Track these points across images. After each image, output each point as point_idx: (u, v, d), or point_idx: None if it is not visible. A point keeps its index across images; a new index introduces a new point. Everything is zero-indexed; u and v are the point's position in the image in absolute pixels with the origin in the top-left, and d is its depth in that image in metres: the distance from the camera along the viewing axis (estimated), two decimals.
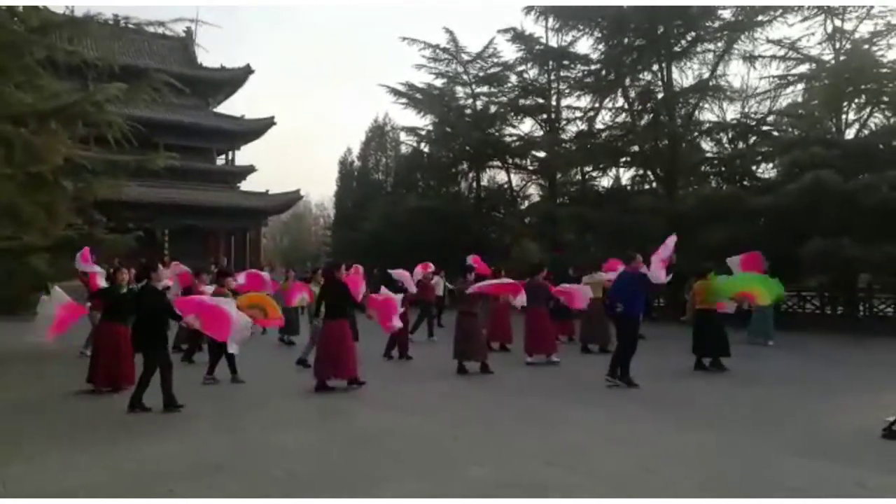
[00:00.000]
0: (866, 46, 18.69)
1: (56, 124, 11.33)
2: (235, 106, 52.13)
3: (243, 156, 40.44)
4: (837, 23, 19.32)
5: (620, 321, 9.09)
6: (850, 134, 19.05)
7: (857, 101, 18.88)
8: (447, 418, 7.26)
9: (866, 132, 18.93)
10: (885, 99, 18.52)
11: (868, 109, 19.00)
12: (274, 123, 37.82)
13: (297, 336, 13.88)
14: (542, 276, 11.91)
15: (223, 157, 38.80)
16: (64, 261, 15.67)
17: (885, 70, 18.17)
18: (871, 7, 18.76)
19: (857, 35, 19.13)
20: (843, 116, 19.11)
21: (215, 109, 38.71)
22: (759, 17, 20.90)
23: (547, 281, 11.97)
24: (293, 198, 39.13)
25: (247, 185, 39.11)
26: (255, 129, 38.10)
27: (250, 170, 38.65)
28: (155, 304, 7.68)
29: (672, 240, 8.71)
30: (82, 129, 12.52)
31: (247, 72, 38.27)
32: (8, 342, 12.54)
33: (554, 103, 26.65)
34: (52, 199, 11.99)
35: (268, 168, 70.26)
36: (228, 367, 9.39)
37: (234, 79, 38.51)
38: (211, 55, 61.96)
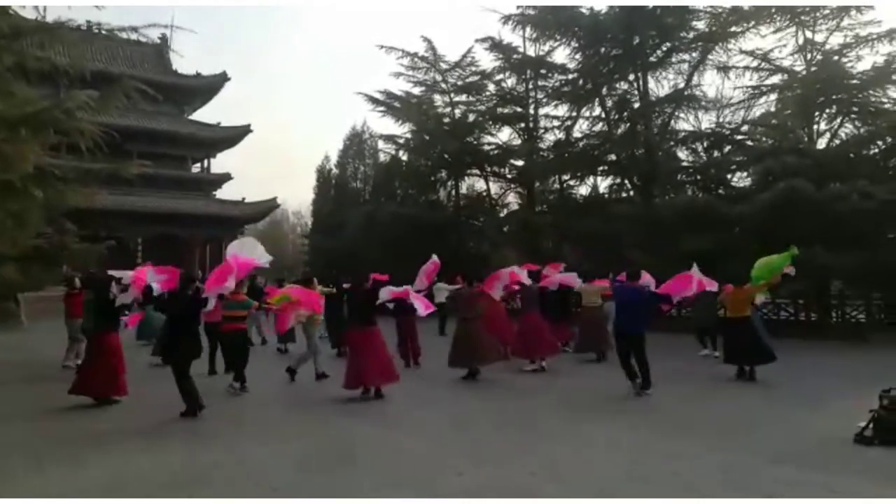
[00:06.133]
0: (836, 58, 19.04)
1: (26, 132, 11.07)
2: (211, 113, 51.73)
3: (219, 163, 40.09)
4: (808, 34, 19.70)
5: (635, 339, 9.03)
6: (821, 143, 19.35)
7: (828, 111, 19.22)
8: (431, 427, 7.21)
9: (837, 142, 19.25)
10: (855, 109, 18.87)
11: (839, 119, 19.33)
12: (250, 131, 37.55)
13: (294, 344, 13.97)
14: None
15: (198, 164, 38.40)
16: (34, 270, 15.34)
17: (854, 81, 18.53)
18: (842, 19, 19.17)
19: (827, 46, 19.52)
20: (815, 126, 19.43)
21: (191, 117, 38.32)
22: (733, 28, 21.26)
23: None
24: (270, 206, 38.83)
25: (223, 193, 38.76)
26: (231, 136, 37.77)
27: (226, 178, 38.28)
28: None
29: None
30: (53, 136, 12.27)
31: (223, 79, 37.99)
32: None
33: (532, 112, 26.77)
34: (22, 207, 11.70)
35: (244, 176, 69.71)
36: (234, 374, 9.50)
37: (210, 86, 38.17)
38: (187, 62, 61.46)
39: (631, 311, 9.08)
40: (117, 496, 4.91)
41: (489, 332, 11.71)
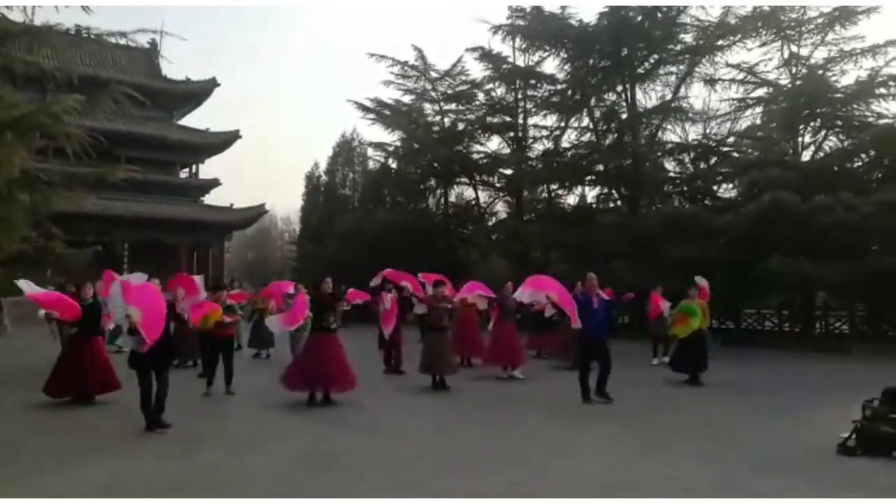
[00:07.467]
0: (821, 72, 19.33)
1: (12, 136, 10.99)
2: (201, 118, 51.46)
3: (207, 169, 39.89)
4: (794, 48, 19.99)
5: (600, 344, 9.11)
6: (806, 156, 19.61)
7: (812, 124, 19.48)
8: (411, 436, 7.18)
9: (822, 154, 19.50)
10: (839, 122, 19.14)
11: (823, 132, 19.60)
12: (239, 137, 37.36)
13: (274, 349, 13.96)
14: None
15: (187, 170, 38.18)
16: (18, 274, 15.20)
17: (838, 95, 18.80)
18: (826, 34, 19.47)
19: (812, 61, 19.81)
20: (800, 139, 19.69)
21: (180, 122, 38.12)
22: (719, 42, 21.53)
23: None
24: (258, 212, 38.59)
25: (211, 198, 38.52)
26: (220, 142, 37.55)
27: (214, 183, 38.05)
28: None
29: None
30: (39, 140, 12.20)
31: (212, 84, 37.81)
32: None
33: (521, 122, 26.92)
34: (7, 211, 11.61)
35: (233, 181, 69.43)
36: (225, 380, 9.61)
37: (199, 91, 37.97)
38: (179, 66, 61.29)
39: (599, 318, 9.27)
40: (117, 496, 4.88)
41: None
